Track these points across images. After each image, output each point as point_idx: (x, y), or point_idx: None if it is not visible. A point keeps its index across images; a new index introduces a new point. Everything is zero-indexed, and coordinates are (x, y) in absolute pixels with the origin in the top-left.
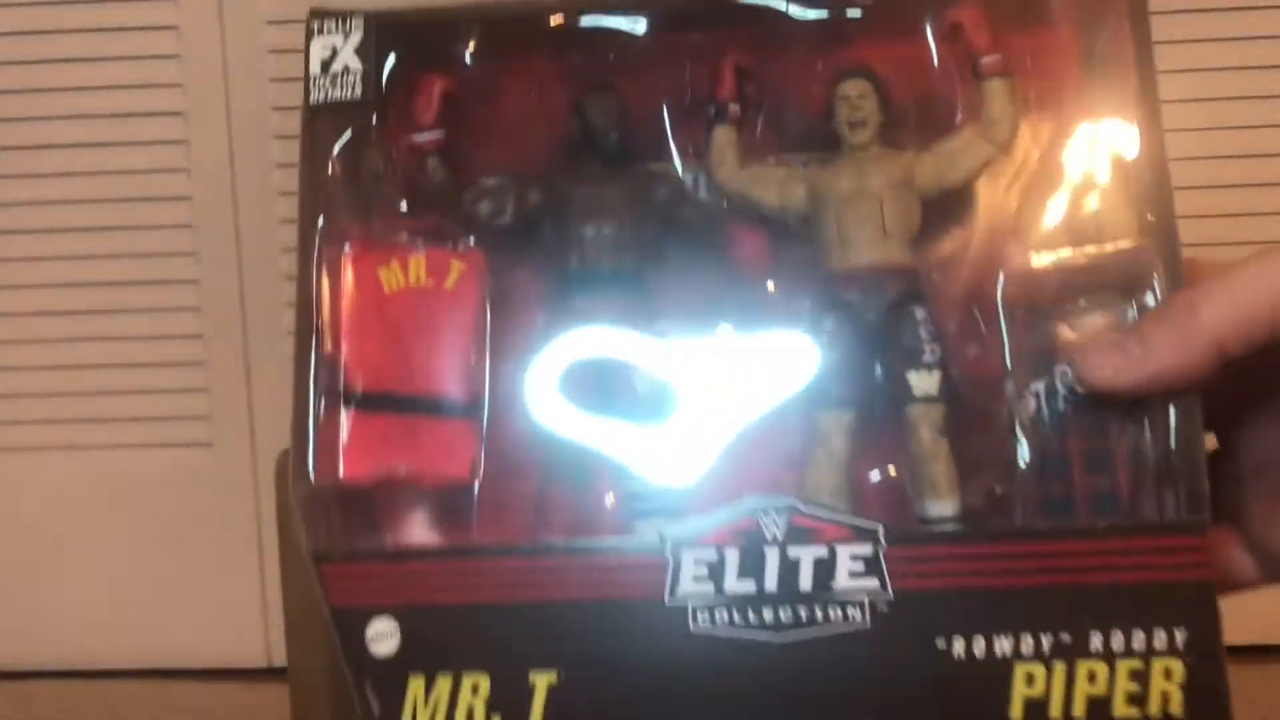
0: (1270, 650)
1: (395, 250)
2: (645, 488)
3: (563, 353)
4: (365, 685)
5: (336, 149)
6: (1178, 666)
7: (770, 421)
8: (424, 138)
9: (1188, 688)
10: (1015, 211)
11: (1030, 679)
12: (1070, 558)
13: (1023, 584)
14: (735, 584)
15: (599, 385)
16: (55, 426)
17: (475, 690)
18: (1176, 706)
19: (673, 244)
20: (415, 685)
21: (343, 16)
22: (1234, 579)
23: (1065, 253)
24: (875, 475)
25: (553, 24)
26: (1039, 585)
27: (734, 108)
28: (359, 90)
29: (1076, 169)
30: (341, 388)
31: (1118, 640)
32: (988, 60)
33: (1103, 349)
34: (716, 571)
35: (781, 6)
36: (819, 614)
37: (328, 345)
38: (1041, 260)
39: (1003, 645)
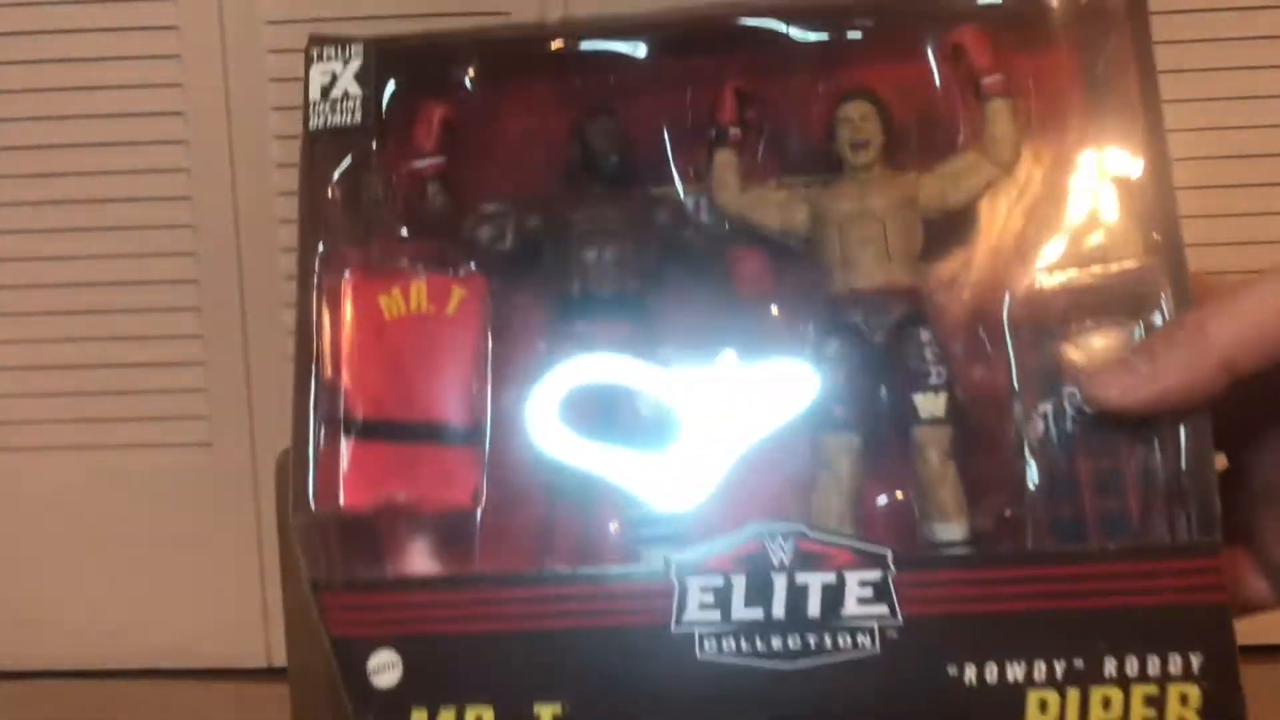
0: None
1: (396, 277)
2: (650, 515)
3: (565, 379)
4: (367, 718)
5: (336, 175)
6: (1194, 692)
7: (775, 446)
8: (424, 163)
9: (1205, 713)
10: (1020, 232)
11: (1044, 706)
12: (1082, 581)
13: (1034, 608)
14: (743, 611)
15: (602, 411)
16: (55, 426)
17: None
18: None
19: (674, 268)
20: (418, 718)
21: (342, 43)
22: (1248, 601)
23: (1071, 273)
24: (883, 499)
25: (553, 49)
26: (1051, 609)
27: (735, 131)
28: (359, 116)
29: (1081, 188)
30: (342, 415)
31: (1132, 665)
32: (989, 80)
33: (1110, 368)
34: (723, 598)
35: (782, 29)
36: (828, 641)
37: (328, 372)
38: (1047, 280)
39: (1015, 671)
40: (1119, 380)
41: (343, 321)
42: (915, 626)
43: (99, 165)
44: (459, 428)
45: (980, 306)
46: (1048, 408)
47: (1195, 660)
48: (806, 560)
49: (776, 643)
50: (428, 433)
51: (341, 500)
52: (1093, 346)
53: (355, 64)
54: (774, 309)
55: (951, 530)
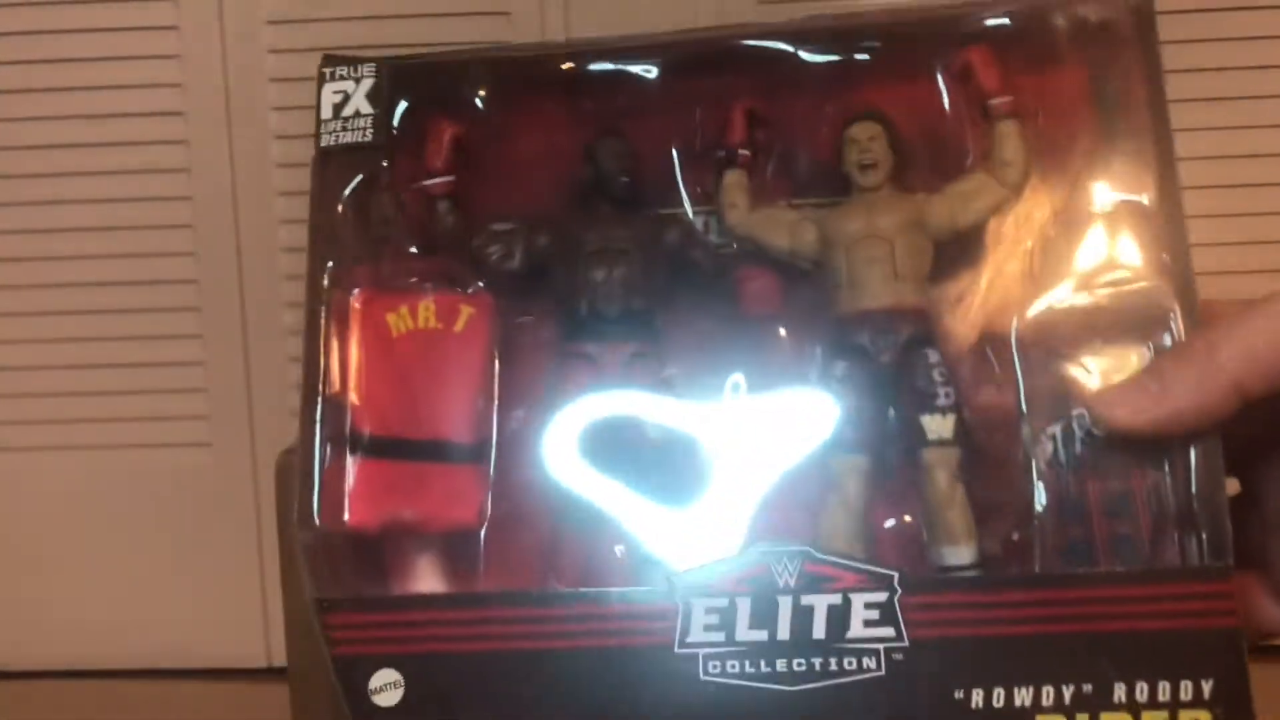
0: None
1: (404, 294)
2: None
3: (583, 413)
4: None
5: (347, 192)
6: (1205, 718)
7: (783, 467)
8: (434, 182)
9: None
10: (1028, 253)
11: None
12: (1091, 605)
13: (1042, 632)
14: (747, 632)
15: (613, 440)
16: (55, 426)
17: None
18: None
19: (683, 287)
20: None
21: (354, 63)
22: (1261, 627)
23: (1080, 294)
24: (891, 522)
25: (563, 69)
26: (1059, 633)
27: (744, 152)
28: (370, 134)
29: (1090, 210)
30: (348, 433)
31: (1142, 691)
32: (998, 101)
33: (1119, 389)
34: (728, 619)
35: (791, 50)
36: (833, 663)
37: (335, 389)
38: (1056, 302)
39: (1023, 696)
40: (1128, 401)
41: (351, 338)
42: (922, 649)
43: (99, 165)
44: (465, 446)
45: (989, 328)
46: (1056, 430)
47: (1206, 686)
48: (812, 582)
49: (781, 665)
50: (433, 451)
51: (347, 518)
52: (1102, 368)
53: (367, 83)
54: (781, 330)
55: (960, 554)
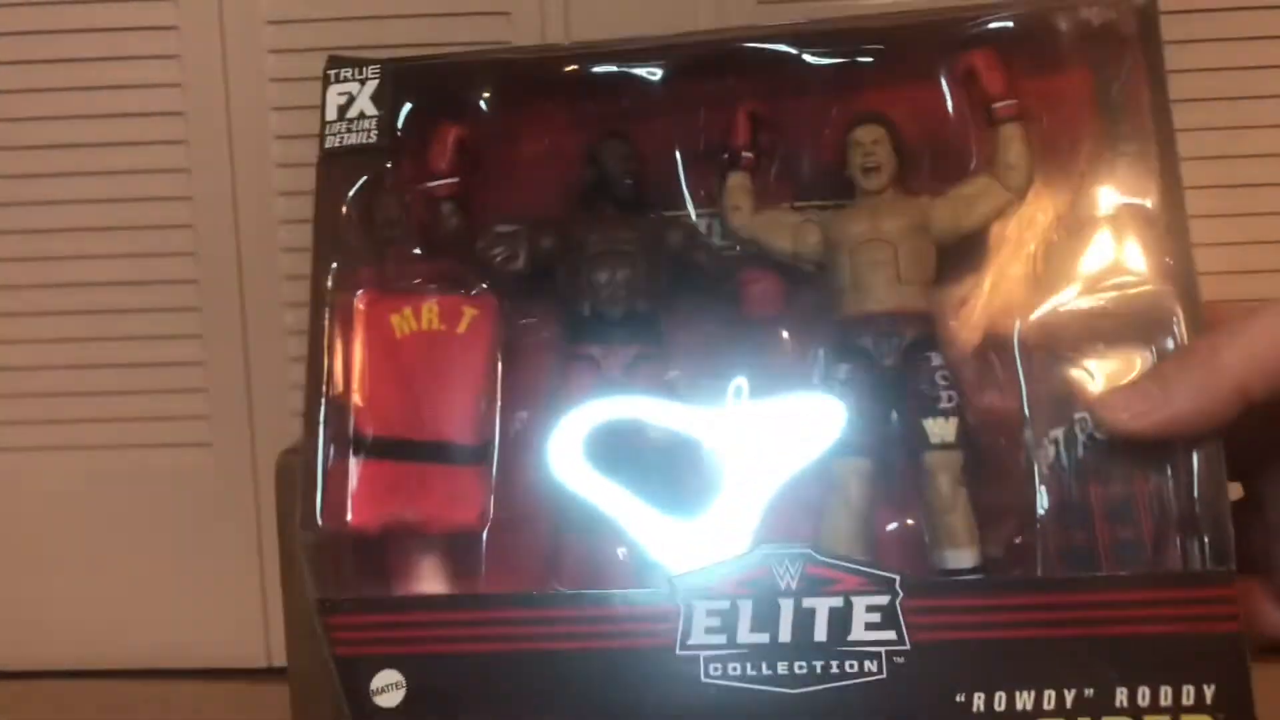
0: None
1: (408, 295)
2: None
3: (590, 416)
4: None
5: (351, 194)
6: None
7: (785, 470)
8: (438, 184)
9: None
10: (1032, 257)
11: None
12: (1093, 609)
13: (1044, 636)
14: (748, 634)
15: (615, 441)
16: (55, 426)
17: None
18: None
19: (686, 289)
20: None
21: (359, 64)
22: (1264, 632)
23: (1083, 298)
24: (893, 525)
25: (567, 71)
26: (1061, 637)
27: (748, 154)
28: (374, 136)
29: (1093, 213)
30: (352, 434)
31: (1144, 695)
32: (1002, 105)
33: (1121, 392)
34: (729, 622)
35: (795, 53)
36: (834, 666)
37: (338, 390)
38: (1059, 305)
39: (1024, 700)
40: (1130, 404)
41: (354, 339)
42: (923, 652)
43: (99, 165)
44: (467, 447)
45: (992, 331)
46: (1059, 434)
47: (1209, 691)
48: (814, 584)
49: (782, 667)
50: (436, 452)
51: (349, 519)
52: (1105, 372)
53: (372, 85)
54: (784, 333)
55: (962, 558)
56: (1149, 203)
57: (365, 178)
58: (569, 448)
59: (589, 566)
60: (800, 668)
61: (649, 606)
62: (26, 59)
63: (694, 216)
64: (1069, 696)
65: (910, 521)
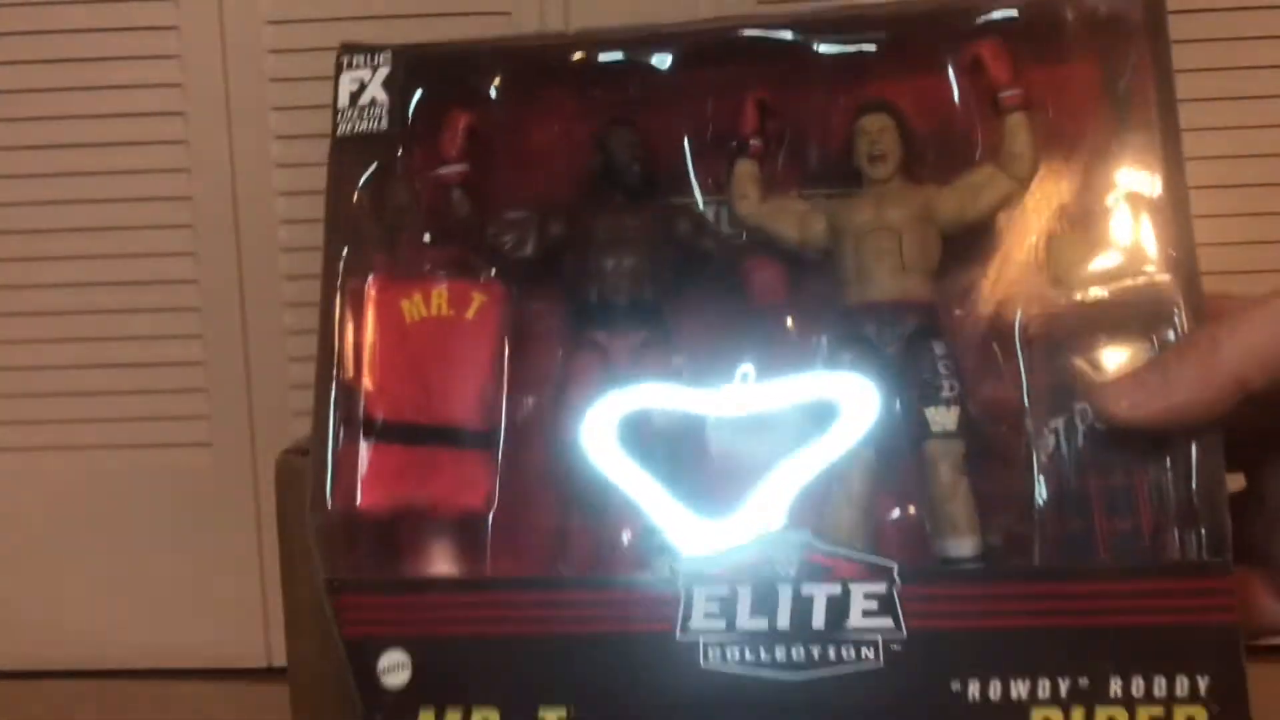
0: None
1: (418, 281)
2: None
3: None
4: (375, 717)
5: (362, 180)
6: (1201, 715)
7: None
8: (449, 170)
9: None
10: (1035, 246)
11: None
12: (1089, 599)
13: (1040, 625)
14: (747, 621)
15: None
16: (55, 426)
17: None
18: None
19: (692, 277)
20: (425, 718)
21: (372, 51)
22: (1261, 624)
23: (1086, 288)
24: (894, 513)
25: (576, 59)
26: (1057, 626)
27: (756, 142)
28: (385, 123)
29: (1097, 203)
30: (361, 417)
31: (1138, 685)
32: (1008, 94)
33: (1121, 382)
34: (728, 607)
35: (802, 41)
36: (831, 653)
37: (348, 374)
38: (1061, 296)
39: (1019, 688)
40: (1129, 394)
41: (365, 324)
42: (920, 640)
43: (99, 165)
44: (474, 432)
45: (994, 321)
46: (1059, 424)
47: (1203, 682)
48: (813, 571)
49: (780, 653)
50: (444, 436)
51: (358, 501)
52: (1106, 363)
53: (383, 71)
54: (789, 320)
55: (962, 546)
56: (1153, 193)
57: (376, 164)
58: (574, 432)
59: (594, 551)
60: (798, 654)
61: (650, 591)
62: (26, 59)
63: (701, 204)
64: (1063, 686)
65: (912, 510)
